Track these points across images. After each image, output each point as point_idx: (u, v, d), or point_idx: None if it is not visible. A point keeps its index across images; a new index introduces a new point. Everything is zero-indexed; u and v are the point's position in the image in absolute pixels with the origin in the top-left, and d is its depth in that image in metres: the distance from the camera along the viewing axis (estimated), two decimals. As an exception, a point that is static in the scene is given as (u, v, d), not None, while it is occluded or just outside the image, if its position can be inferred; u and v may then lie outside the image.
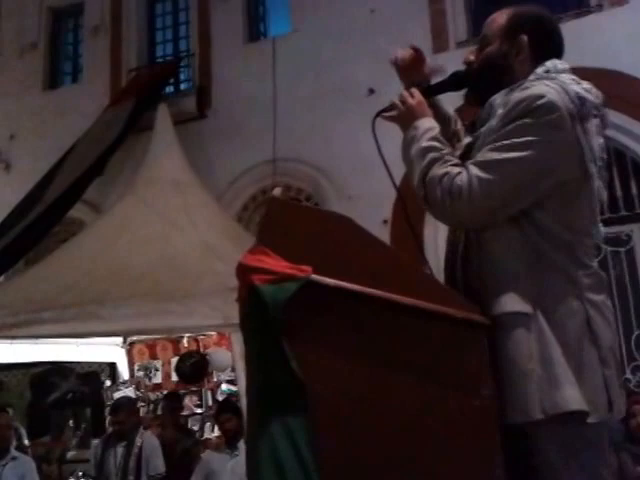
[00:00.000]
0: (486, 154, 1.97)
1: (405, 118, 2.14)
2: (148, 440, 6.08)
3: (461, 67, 2.25)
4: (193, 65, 9.80)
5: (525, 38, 2.08)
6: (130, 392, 8.40)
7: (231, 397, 7.76)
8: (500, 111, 2.00)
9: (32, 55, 10.54)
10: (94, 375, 9.19)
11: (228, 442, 5.89)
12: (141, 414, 8.34)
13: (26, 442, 7.86)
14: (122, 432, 5.96)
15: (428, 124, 2.12)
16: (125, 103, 8.98)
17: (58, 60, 10.90)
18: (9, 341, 6.44)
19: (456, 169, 2.00)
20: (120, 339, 8.45)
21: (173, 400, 7.43)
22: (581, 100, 1.96)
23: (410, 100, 2.15)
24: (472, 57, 2.18)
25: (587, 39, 7.30)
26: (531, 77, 2.03)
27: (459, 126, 2.44)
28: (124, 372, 8.87)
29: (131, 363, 8.82)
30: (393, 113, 2.18)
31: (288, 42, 8.84)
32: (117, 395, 8.24)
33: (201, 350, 8.47)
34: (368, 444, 1.83)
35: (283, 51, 8.82)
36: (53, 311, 5.80)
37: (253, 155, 8.62)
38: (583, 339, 1.89)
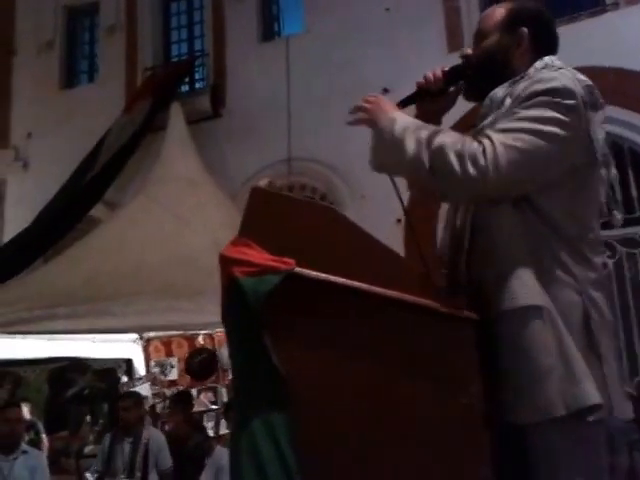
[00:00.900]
0: (509, 123, 1.85)
1: (375, 114, 1.99)
2: (154, 435, 6.14)
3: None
4: (207, 64, 9.86)
5: (526, 30, 2.04)
6: (146, 388, 8.45)
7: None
8: (508, 101, 1.94)
9: (48, 54, 10.66)
10: (111, 371, 9.25)
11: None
12: (157, 410, 8.39)
13: (43, 436, 7.95)
14: (128, 424, 6.03)
15: (404, 115, 1.97)
16: (142, 102, 9.06)
17: (74, 59, 11.02)
18: (22, 336, 6.52)
19: (469, 137, 1.86)
20: (136, 335, 8.50)
21: (182, 397, 7.48)
22: (590, 89, 1.91)
23: (374, 99, 2.03)
24: (469, 51, 2.13)
25: (603, 38, 7.26)
26: (531, 70, 1.99)
27: None
28: (140, 368, 8.92)
29: (147, 359, 8.85)
30: (361, 116, 2.02)
31: (302, 41, 8.87)
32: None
33: (216, 347, 8.49)
34: (351, 441, 1.79)
35: (297, 50, 8.83)
36: (67, 307, 5.88)
37: (267, 154, 8.66)
38: (583, 334, 1.84)
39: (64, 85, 10.70)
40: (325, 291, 1.81)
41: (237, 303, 1.84)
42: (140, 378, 8.82)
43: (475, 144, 1.82)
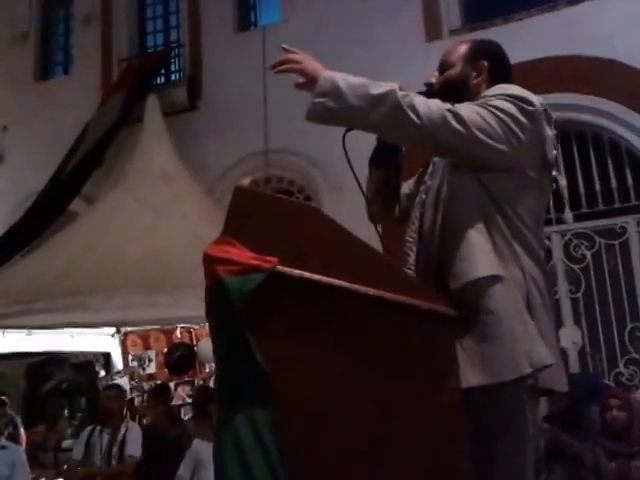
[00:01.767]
0: (471, 105, 2.10)
1: (310, 66, 2.20)
2: (131, 428, 6.15)
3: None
4: (183, 55, 9.77)
5: (485, 63, 2.30)
6: (124, 382, 8.42)
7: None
8: None
9: (23, 46, 10.52)
10: (89, 365, 9.24)
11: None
12: (135, 404, 8.38)
13: (21, 431, 7.92)
14: (110, 413, 6.03)
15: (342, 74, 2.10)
16: (118, 95, 8.98)
17: (49, 51, 10.89)
18: (1, 331, 6.48)
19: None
20: (114, 329, 8.47)
21: (161, 391, 7.48)
22: (545, 106, 2.15)
23: (299, 57, 2.25)
24: (433, 79, 2.34)
25: (581, 27, 7.27)
26: (488, 92, 2.19)
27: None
28: (118, 362, 8.89)
29: (125, 353, 8.83)
30: (288, 67, 2.22)
31: (279, 31, 8.75)
32: (112, 385, 8.27)
33: (194, 341, 8.48)
34: (334, 438, 1.82)
35: (274, 41, 8.72)
36: (44, 302, 5.84)
37: (244, 146, 8.59)
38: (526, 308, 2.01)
39: (39, 77, 10.57)
40: (307, 289, 1.85)
41: (221, 301, 1.88)
42: (119, 372, 8.80)
43: (454, 106, 2.05)
